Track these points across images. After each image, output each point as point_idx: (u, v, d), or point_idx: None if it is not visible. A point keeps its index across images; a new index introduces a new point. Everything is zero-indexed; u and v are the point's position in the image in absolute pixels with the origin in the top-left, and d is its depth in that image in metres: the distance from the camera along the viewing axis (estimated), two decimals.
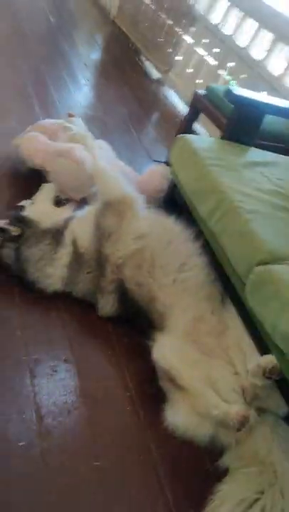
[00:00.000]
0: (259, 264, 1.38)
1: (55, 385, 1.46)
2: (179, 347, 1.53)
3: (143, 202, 1.82)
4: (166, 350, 1.51)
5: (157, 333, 1.58)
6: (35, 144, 2.15)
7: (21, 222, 1.76)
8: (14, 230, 1.73)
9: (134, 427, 1.44)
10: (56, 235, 1.73)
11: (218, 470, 1.38)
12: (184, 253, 1.70)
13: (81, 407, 1.43)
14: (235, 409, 1.36)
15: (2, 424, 1.31)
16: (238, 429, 1.36)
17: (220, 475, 1.37)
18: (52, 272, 1.69)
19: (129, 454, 1.37)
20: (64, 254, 1.71)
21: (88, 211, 1.82)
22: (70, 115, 2.33)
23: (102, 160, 2.02)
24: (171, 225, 1.77)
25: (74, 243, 1.72)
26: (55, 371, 1.50)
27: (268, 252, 1.38)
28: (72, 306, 1.72)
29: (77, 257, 1.71)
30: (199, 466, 1.40)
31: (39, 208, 1.87)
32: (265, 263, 1.37)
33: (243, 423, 1.35)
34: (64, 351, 1.57)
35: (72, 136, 2.10)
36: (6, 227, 1.73)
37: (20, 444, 1.28)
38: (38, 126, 2.33)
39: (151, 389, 1.54)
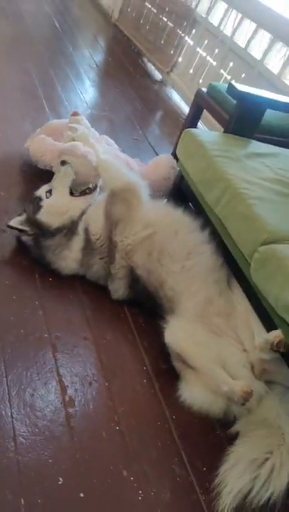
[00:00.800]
0: (263, 244, 1.50)
1: (76, 360, 1.58)
2: (189, 330, 1.63)
3: (148, 189, 1.92)
4: (177, 334, 1.62)
5: (168, 316, 1.69)
6: (43, 145, 2.28)
7: (34, 224, 1.83)
8: (29, 230, 1.83)
9: (150, 397, 1.56)
10: (71, 226, 1.85)
11: (229, 435, 1.51)
12: (191, 241, 1.80)
13: (101, 379, 1.55)
14: (240, 385, 1.48)
15: (29, 393, 1.43)
16: (242, 404, 1.47)
17: (230, 439, 1.49)
18: (67, 255, 1.81)
19: (147, 420, 1.49)
20: (77, 242, 1.83)
21: (99, 200, 1.92)
22: (75, 114, 2.42)
23: (106, 153, 2.13)
24: (178, 215, 1.88)
25: (86, 231, 1.83)
26: (75, 347, 1.62)
27: (271, 232, 1.50)
28: (89, 288, 1.84)
29: (89, 243, 1.82)
30: (210, 431, 1.52)
31: (57, 201, 1.89)
32: (269, 243, 1.49)
33: (246, 398, 1.47)
34: (83, 330, 1.69)
35: (73, 137, 2.19)
36: (22, 227, 1.83)
37: (47, 410, 1.40)
38: (47, 128, 2.46)
39: (165, 364, 1.66)
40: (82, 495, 1.24)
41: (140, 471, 1.35)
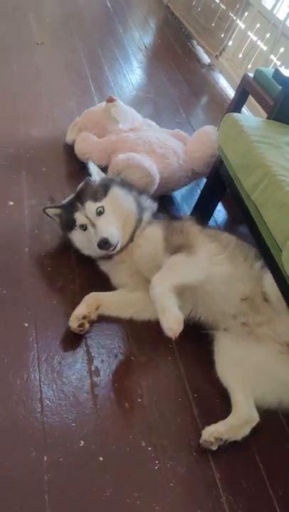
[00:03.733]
0: None
1: (104, 333, 1.64)
2: (237, 358, 1.60)
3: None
4: (226, 368, 1.59)
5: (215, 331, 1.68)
6: (89, 144, 2.25)
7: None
8: (60, 227, 1.83)
9: (173, 375, 1.60)
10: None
11: None
12: (244, 290, 1.68)
13: (127, 353, 1.60)
14: None
15: (57, 360, 1.50)
16: None
17: None
18: None
19: (168, 396, 1.53)
20: None
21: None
22: (110, 100, 2.31)
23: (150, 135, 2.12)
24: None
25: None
26: (104, 321, 1.67)
27: None
28: None
29: None
30: (230, 412, 1.54)
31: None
32: None
33: None
34: None
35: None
36: (55, 219, 1.83)
37: (73, 377, 1.47)
38: (88, 121, 2.39)
39: (190, 347, 1.68)
40: (101, 458, 1.31)
41: (158, 443, 1.40)
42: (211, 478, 1.37)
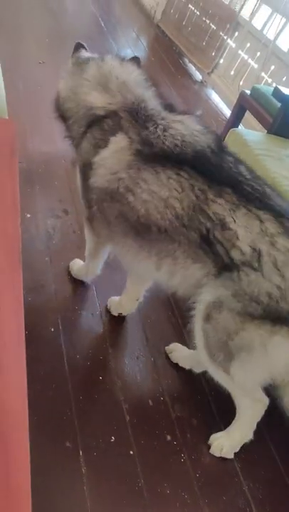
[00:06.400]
0: None
1: (124, 335, 1.74)
2: None
3: None
4: None
5: None
6: None
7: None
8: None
9: (191, 373, 1.70)
10: None
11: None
12: None
13: (147, 355, 1.70)
14: None
15: (76, 316, 1.67)
16: None
17: (265, 416, 1.62)
18: None
19: (187, 393, 1.64)
20: None
21: None
22: None
23: None
24: None
25: None
26: (124, 322, 1.78)
27: None
28: None
29: None
30: None
31: None
32: None
33: None
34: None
35: None
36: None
37: (87, 331, 1.58)
38: None
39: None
40: (131, 452, 1.40)
41: (182, 437, 1.49)
42: (233, 468, 1.47)
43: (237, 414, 1.48)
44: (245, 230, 1.25)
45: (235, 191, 1.30)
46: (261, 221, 1.26)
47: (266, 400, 1.43)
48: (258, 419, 1.46)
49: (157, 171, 1.34)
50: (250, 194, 1.30)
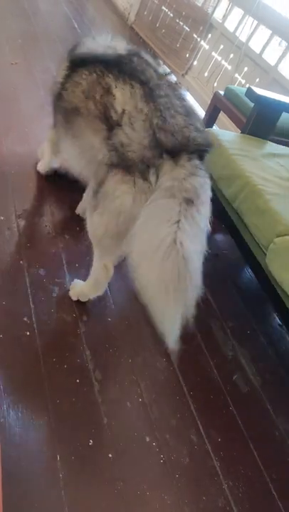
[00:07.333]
0: (278, 235, 1.63)
1: (99, 335, 1.72)
2: None
3: None
4: None
5: None
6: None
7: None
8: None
9: (169, 374, 1.69)
10: None
11: (240, 410, 1.64)
12: None
13: (124, 356, 1.69)
14: None
15: (52, 319, 1.64)
16: None
17: (242, 414, 1.62)
18: None
19: (166, 394, 1.62)
20: None
21: None
22: None
23: None
24: None
25: None
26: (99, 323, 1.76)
27: (286, 225, 1.63)
28: None
29: None
30: (223, 406, 1.65)
31: None
32: (284, 234, 1.62)
33: None
34: (107, 312, 1.82)
35: None
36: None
37: (64, 334, 1.54)
38: None
39: (184, 344, 1.73)
40: (110, 455, 1.38)
41: (161, 438, 1.48)
42: (212, 467, 1.47)
43: (90, 273, 1.75)
44: (121, 94, 1.55)
45: (123, 71, 1.61)
46: (132, 87, 1.56)
47: (111, 272, 1.70)
48: (104, 283, 1.75)
49: (80, 70, 1.72)
50: (134, 72, 1.61)
